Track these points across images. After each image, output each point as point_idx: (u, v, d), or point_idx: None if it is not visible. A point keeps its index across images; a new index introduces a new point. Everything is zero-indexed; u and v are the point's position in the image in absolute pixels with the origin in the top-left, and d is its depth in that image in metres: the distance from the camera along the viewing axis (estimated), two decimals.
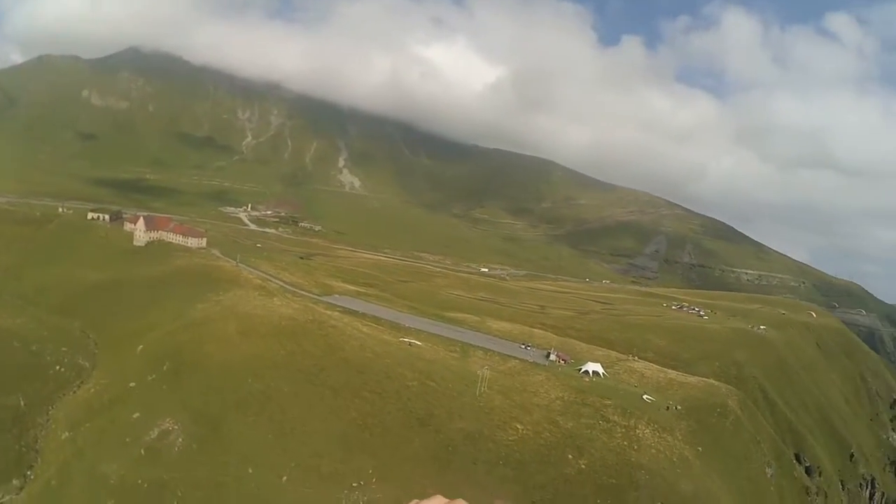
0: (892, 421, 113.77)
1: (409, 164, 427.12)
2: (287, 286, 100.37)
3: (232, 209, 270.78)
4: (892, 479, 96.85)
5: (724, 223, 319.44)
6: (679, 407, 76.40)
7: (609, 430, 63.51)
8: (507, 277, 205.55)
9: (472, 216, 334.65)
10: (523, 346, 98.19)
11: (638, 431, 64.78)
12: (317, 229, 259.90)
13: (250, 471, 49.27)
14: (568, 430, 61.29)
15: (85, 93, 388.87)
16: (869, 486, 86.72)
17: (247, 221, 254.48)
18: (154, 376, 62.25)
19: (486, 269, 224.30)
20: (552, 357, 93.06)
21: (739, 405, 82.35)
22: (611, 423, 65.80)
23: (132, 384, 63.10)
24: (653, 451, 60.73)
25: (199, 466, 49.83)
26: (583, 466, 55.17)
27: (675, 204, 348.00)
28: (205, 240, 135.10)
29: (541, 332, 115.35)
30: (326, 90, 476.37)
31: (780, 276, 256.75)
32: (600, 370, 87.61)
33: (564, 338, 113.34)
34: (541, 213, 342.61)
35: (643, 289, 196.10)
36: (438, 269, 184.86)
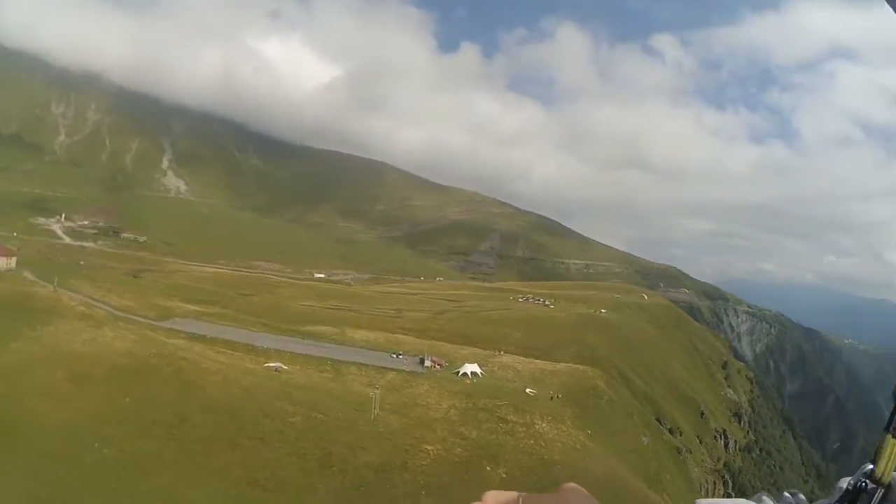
0: (725, 380, 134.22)
1: (238, 166, 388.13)
2: (118, 312, 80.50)
3: (43, 220, 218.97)
4: (737, 427, 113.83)
5: (550, 219, 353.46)
6: (560, 395, 78.36)
7: (512, 432, 61.46)
8: (352, 282, 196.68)
9: (307, 220, 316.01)
10: (394, 355, 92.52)
11: (537, 427, 63.93)
12: (142, 241, 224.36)
13: None
14: (476, 441, 57.55)
15: None
16: (722, 437, 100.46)
17: (61, 234, 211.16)
18: None
19: (323, 275, 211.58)
20: (427, 363, 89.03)
21: (606, 384, 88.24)
22: (510, 423, 63.95)
23: None
24: (558, 444, 60.28)
25: None
26: (503, 475, 51.87)
27: (505, 203, 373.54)
28: (14, 259, 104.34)
29: (403, 336, 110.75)
30: (151, 83, 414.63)
31: (605, 264, 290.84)
32: (478, 370, 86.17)
33: (428, 340, 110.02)
34: (376, 216, 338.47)
35: (487, 284, 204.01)
36: (281, 279, 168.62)
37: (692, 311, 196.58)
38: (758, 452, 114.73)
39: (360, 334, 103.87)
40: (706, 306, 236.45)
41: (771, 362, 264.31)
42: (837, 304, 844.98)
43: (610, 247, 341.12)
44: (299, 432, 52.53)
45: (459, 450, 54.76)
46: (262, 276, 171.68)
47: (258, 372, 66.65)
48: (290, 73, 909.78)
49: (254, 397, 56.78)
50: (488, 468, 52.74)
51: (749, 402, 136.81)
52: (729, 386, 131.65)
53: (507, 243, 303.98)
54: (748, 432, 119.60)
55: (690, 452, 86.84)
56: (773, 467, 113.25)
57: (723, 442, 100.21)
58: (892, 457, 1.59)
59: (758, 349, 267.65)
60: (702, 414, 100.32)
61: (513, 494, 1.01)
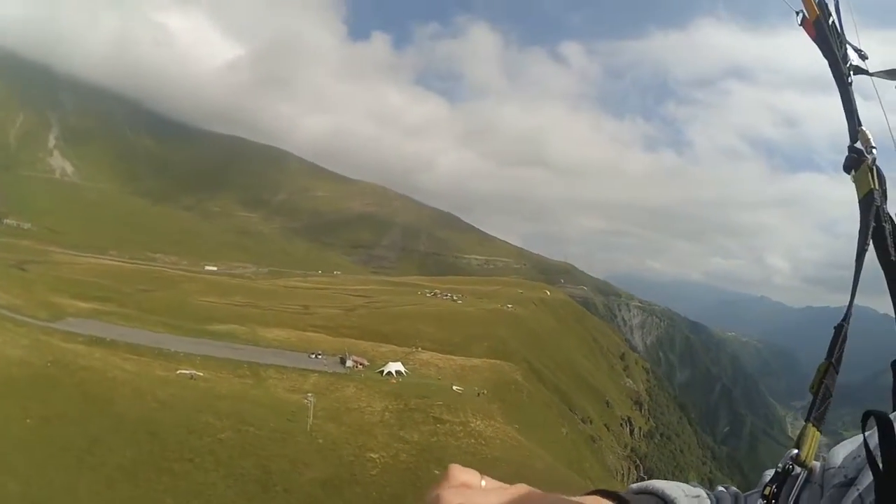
0: (624, 370, 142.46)
1: (131, 147, 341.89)
2: (3, 311, 66.76)
3: None
4: (639, 415, 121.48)
5: (451, 214, 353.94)
6: (485, 391, 78.92)
7: (451, 433, 60.57)
8: (253, 276, 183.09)
9: (204, 208, 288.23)
10: (313, 356, 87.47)
11: (472, 425, 63.62)
12: (25, 227, 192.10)
13: None
14: (418, 444, 55.85)
15: None
16: (627, 424, 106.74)
17: None
18: None
19: (215, 268, 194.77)
20: (349, 363, 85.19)
21: (523, 378, 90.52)
22: (447, 423, 62.97)
23: None
24: (496, 441, 60.35)
25: None
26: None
27: (407, 196, 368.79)
28: None
29: (315, 335, 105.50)
30: (40, 49, 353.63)
31: (504, 259, 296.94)
32: (402, 369, 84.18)
33: (341, 338, 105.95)
34: (277, 205, 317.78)
35: (391, 279, 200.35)
36: (181, 273, 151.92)
37: (588, 305, 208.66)
38: (659, 438, 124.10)
39: (271, 333, 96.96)
40: (600, 301, 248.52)
41: (661, 353, 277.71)
42: (722, 300, 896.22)
43: (508, 243, 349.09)
44: (232, 450, 47.15)
45: (405, 456, 52.68)
46: (160, 270, 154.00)
47: (172, 381, 58.99)
48: (192, 50, 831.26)
49: (173, 411, 50.01)
50: (437, 472, 51.10)
51: (647, 390, 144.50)
52: (628, 376, 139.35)
53: (409, 237, 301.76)
54: (648, 419, 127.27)
55: (602, 440, 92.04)
56: (674, 451, 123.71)
57: (628, 429, 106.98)
58: (814, 443, 1.81)
59: (649, 341, 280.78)
60: (607, 403, 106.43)
61: (475, 472, 1.10)
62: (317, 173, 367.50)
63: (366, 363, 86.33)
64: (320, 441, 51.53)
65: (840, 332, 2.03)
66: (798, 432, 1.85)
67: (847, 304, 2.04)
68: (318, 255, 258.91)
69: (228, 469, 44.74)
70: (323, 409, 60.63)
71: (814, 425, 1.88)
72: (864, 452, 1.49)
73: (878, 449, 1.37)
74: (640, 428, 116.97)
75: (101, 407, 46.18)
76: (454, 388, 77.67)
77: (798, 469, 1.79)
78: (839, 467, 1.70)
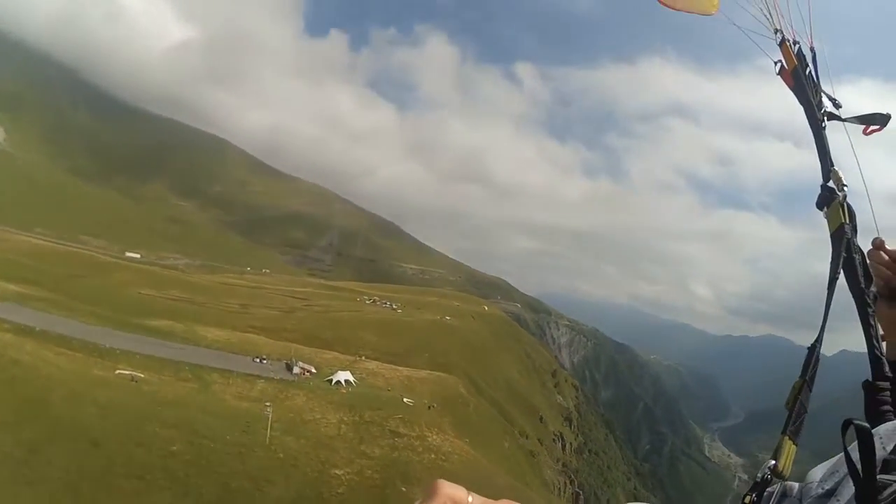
0: (555, 387, 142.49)
1: (66, 120, 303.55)
2: None
3: None
4: (569, 431, 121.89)
5: (390, 221, 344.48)
6: (435, 404, 76.90)
7: (411, 447, 58.18)
8: (185, 269, 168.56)
9: (136, 192, 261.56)
10: (258, 360, 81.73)
11: (429, 439, 61.49)
12: None
13: None
14: (381, 459, 53.03)
15: None
16: (559, 440, 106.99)
17: None
18: None
19: (138, 255, 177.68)
20: (296, 370, 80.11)
21: (467, 391, 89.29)
22: (404, 437, 60.47)
23: None
24: (455, 456, 58.64)
25: None
26: (420, 498, 48.04)
27: (347, 200, 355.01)
28: None
29: (255, 336, 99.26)
30: None
31: (439, 271, 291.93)
32: (351, 378, 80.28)
33: (282, 341, 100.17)
34: (213, 197, 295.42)
35: (328, 282, 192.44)
36: (112, 260, 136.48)
37: (520, 322, 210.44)
38: (587, 453, 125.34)
39: (211, 333, 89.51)
40: (531, 318, 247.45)
41: (587, 372, 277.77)
42: (646, 323, 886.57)
43: (444, 255, 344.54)
44: (187, 465, 42.16)
45: (370, 472, 49.68)
46: (91, 255, 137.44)
47: (112, 382, 52.18)
48: (142, 27, 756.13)
49: (117, 419, 44.03)
50: (403, 489, 48.68)
51: (576, 407, 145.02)
52: (558, 393, 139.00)
53: (346, 241, 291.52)
54: (577, 435, 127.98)
55: (539, 455, 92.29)
56: (601, 467, 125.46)
57: (560, 444, 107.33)
58: (790, 454, 1.92)
59: (576, 360, 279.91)
60: (541, 418, 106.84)
61: (462, 488, 1.05)
62: (256, 168, 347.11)
63: (313, 370, 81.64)
64: (281, 456, 47.45)
65: (812, 352, 2.23)
66: (776, 445, 1.92)
67: (819, 327, 2.26)
68: (251, 251, 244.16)
69: (184, 487, 39.86)
70: (277, 420, 56.03)
71: (790, 438, 1.97)
72: (843, 468, 1.48)
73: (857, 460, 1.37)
74: (570, 443, 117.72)
75: (35, 410, 39.65)
76: (405, 400, 75.11)
77: (775, 478, 1.86)
78: (818, 482, 1.69)
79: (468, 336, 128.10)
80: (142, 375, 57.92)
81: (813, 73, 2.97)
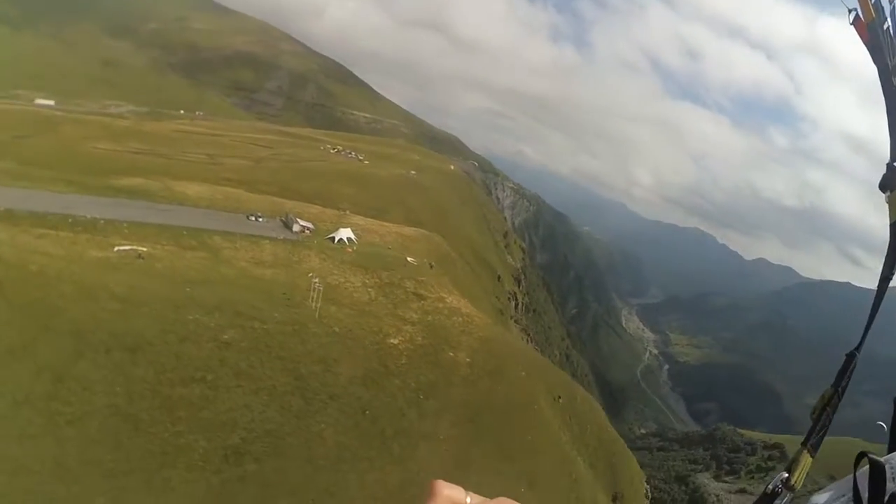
0: (506, 248, 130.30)
1: None
2: None
3: None
4: (519, 291, 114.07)
5: (342, 65, 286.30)
6: (434, 263, 69.04)
7: (438, 310, 51.41)
8: (129, 115, 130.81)
9: (65, 36, 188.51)
10: (252, 218, 66.79)
11: (448, 301, 54.79)
12: None
13: None
14: (421, 324, 46.10)
15: None
16: (513, 299, 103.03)
17: None
18: None
19: (52, 102, 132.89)
20: (296, 228, 66.34)
21: (451, 249, 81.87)
22: (427, 299, 53.28)
23: None
24: (475, 319, 52.84)
25: None
26: (468, 360, 42.92)
27: (296, 40, 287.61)
28: None
29: (233, 190, 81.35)
30: None
31: (392, 121, 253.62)
32: (352, 236, 68.37)
33: (262, 195, 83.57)
34: (148, 36, 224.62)
35: (290, 130, 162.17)
36: (58, 113, 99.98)
37: (472, 181, 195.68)
38: (532, 313, 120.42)
39: (190, 189, 71.15)
40: (479, 178, 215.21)
41: (527, 235, 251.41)
42: (583, 197, 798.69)
43: (398, 105, 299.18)
44: (247, 355, 32.12)
45: (420, 338, 42.74)
46: (35, 110, 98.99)
47: (117, 263, 37.65)
48: None
49: (146, 312, 31.65)
50: (451, 354, 42.84)
51: (522, 269, 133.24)
52: (509, 254, 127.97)
53: (295, 85, 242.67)
54: (525, 295, 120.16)
55: (505, 314, 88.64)
56: (544, 327, 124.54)
57: (513, 303, 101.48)
58: (805, 469, 1.65)
59: (517, 222, 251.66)
60: (498, 278, 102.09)
61: (460, 488, 0.92)
62: (195, 2, 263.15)
63: (312, 227, 68.34)
64: (336, 330, 38.44)
65: (852, 360, 1.74)
66: (792, 456, 1.66)
67: (862, 333, 1.75)
68: (194, 94, 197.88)
69: (253, 382, 30.34)
70: (309, 288, 45.39)
71: (809, 452, 1.67)
72: (850, 493, 1.34)
73: (866, 491, 1.24)
74: (521, 301, 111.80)
75: (43, 321, 26.20)
76: (408, 259, 66.33)
77: (786, 491, 1.64)
78: None
79: (434, 194, 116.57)
80: (143, 249, 42.93)
81: (892, 29, 2.17)
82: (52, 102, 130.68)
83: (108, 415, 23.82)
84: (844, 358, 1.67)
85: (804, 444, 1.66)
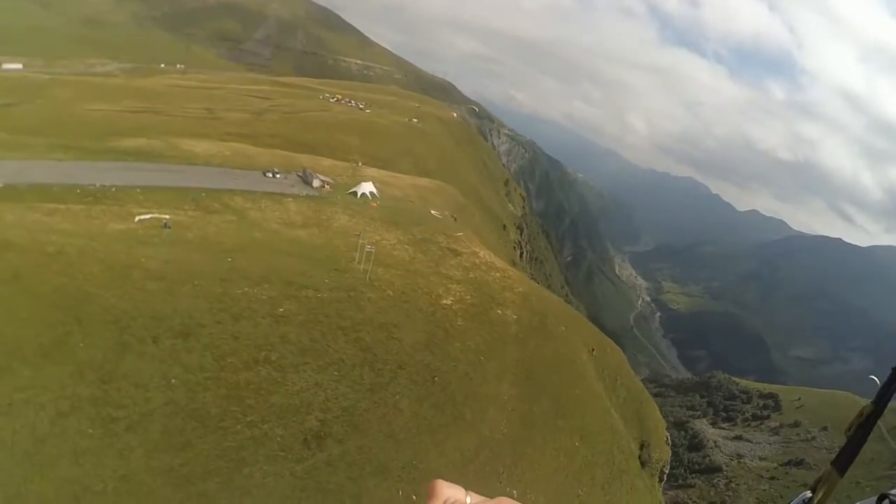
0: (507, 195, 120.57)
1: None
2: None
3: None
4: (521, 238, 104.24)
5: (330, 10, 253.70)
6: (455, 216, 63.09)
7: (475, 266, 46.53)
8: (118, 73, 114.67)
9: None
10: (269, 174, 59.51)
11: (481, 256, 49.71)
12: None
13: None
14: (464, 282, 41.48)
15: None
16: (518, 247, 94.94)
17: None
18: None
19: (20, 66, 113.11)
20: (316, 183, 59.34)
21: (463, 197, 75.41)
22: (463, 255, 48.25)
23: None
24: (509, 273, 48.03)
25: None
26: (514, 317, 38.78)
27: None
28: None
29: (240, 145, 72.98)
30: None
31: (384, 67, 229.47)
32: (374, 190, 61.72)
33: (269, 149, 75.31)
34: None
35: (282, 80, 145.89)
36: (46, 77, 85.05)
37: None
38: (534, 261, 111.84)
39: (198, 147, 63.00)
40: (474, 124, 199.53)
41: (523, 182, 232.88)
42: (576, 143, 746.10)
43: (388, 50, 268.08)
44: (308, 328, 27.35)
45: (469, 298, 38.15)
46: (22, 75, 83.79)
47: (143, 236, 31.52)
48: None
49: (189, 290, 26.31)
50: (499, 312, 38.59)
51: (522, 216, 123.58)
52: (510, 202, 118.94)
53: (284, 33, 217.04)
54: (527, 243, 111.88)
55: (516, 264, 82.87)
56: (545, 274, 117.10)
57: (518, 252, 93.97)
58: (830, 490, 1.48)
59: (513, 169, 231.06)
60: (504, 227, 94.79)
61: (460, 488, 0.87)
62: None
63: (332, 182, 61.19)
64: (390, 294, 33.54)
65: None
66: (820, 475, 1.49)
67: None
68: (180, 47, 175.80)
69: (320, 357, 25.71)
70: (348, 248, 39.75)
71: (838, 471, 1.46)
72: None
73: None
74: (525, 252, 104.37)
75: (73, 315, 20.69)
76: (432, 212, 60.43)
77: None
78: None
79: (438, 141, 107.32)
80: (167, 216, 36.15)
81: None
82: (19, 66, 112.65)
83: (170, 413, 19.11)
84: (890, 372, 1.35)
85: (834, 462, 1.42)
